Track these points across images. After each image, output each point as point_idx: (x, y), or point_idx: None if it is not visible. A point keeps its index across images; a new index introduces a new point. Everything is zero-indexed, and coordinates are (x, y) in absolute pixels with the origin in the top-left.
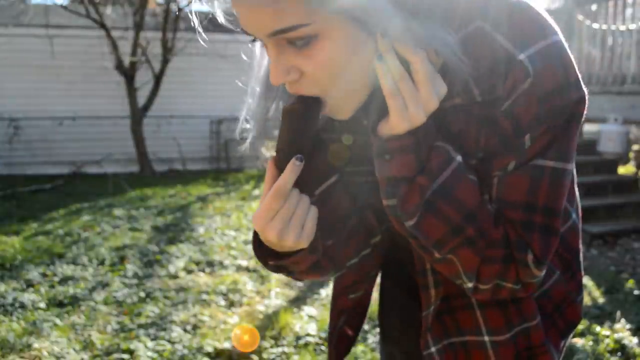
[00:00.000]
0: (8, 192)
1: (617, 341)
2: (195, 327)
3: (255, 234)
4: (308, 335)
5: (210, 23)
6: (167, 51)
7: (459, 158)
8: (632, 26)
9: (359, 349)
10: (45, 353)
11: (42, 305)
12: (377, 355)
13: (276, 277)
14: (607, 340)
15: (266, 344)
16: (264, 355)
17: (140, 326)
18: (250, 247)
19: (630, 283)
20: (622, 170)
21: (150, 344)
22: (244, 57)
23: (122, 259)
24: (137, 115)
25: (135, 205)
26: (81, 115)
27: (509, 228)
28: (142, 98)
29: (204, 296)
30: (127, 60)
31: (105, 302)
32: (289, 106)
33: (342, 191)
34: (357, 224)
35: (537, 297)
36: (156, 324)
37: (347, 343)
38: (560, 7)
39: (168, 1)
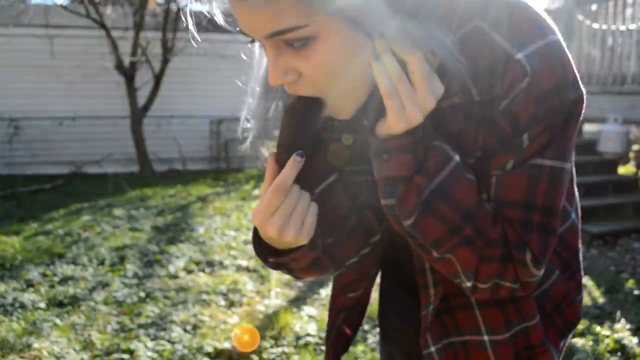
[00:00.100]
0: (8, 192)
1: (617, 341)
2: (195, 327)
3: (256, 231)
4: (308, 335)
5: (210, 23)
6: (167, 51)
7: (456, 158)
8: (632, 26)
9: (359, 348)
10: (45, 353)
11: (42, 305)
12: (377, 355)
13: (276, 277)
14: (607, 340)
15: (266, 344)
16: (264, 355)
17: (140, 326)
18: (250, 247)
19: (630, 283)
20: (622, 170)
21: (150, 344)
22: (244, 57)
23: (122, 259)
24: (137, 115)
25: (135, 205)
26: (81, 115)
27: (508, 227)
28: (142, 98)
29: (204, 296)
30: (127, 60)
31: (105, 302)
32: (291, 102)
33: (341, 190)
34: (357, 223)
35: (536, 296)
36: (156, 324)
37: (345, 342)
38: (560, 7)
39: (168, 1)
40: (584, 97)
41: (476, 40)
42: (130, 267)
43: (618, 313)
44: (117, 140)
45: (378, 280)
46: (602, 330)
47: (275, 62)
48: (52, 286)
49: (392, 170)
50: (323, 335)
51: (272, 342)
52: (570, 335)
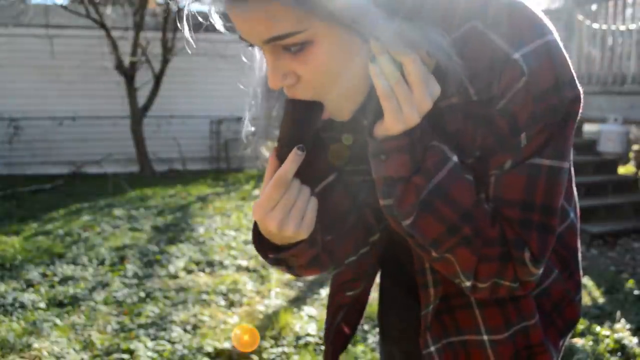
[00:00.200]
0: (8, 192)
1: (617, 341)
2: (195, 327)
3: (256, 227)
4: (308, 335)
5: (211, 23)
6: (167, 51)
7: (454, 158)
8: (632, 26)
9: (359, 349)
10: (45, 353)
11: (42, 305)
12: (377, 355)
13: (276, 277)
14: (607, 340)
15: (266, 344)
16: (264, 355)
17: (140, 326)
18: (250, 247)
19: (630, 283)
20: (622, 170)
21: (150, 344)
22: (244, 59)
23: (122, 259)
24: (137, 115)
25: (135, 205)
26: (81, 115)
27: (506, 226)
28: (142, 98)
29: (204, 296)
30: (127, 60)
31: (105, 302)
32: (292, 98)
33: (341, 189)
34: (356, 222)
35: (535, 295)
36: (156, 324)
37: (343, 340)
38: (560, 7)
39: (168, 1)
40: (582, 96)
41: (474, 40)
42: (130, 267)
43: (618, 313)
44: (117, 140)
45: (378, 280)
46: (602, 330)
47: (274, 66)
48: (52, 286)
49: (390, 171)
50: (323, 335)
51: (272, 342)
52: (570, 335)
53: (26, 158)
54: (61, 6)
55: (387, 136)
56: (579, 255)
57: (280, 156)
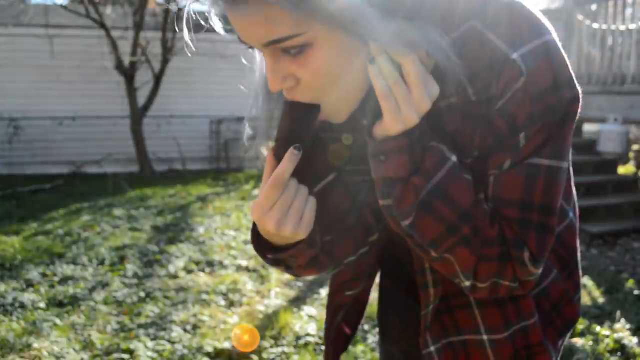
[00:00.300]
0: (8, 192)
1: (617, 341)
2: (195, 327)
3: (255, 227)
4: (308, 335)
5: (211, 26)
6: (167, 51)
7: (453, 158)
8: (632, 26)
9: (359, 349)
10: (45, 353)
11: (42, 305)
12: (377, 355)
13: (276, 277)
14: (607, 340)
15: (266, 344)
16: (264, 355)
17: (140, 326)
18: (250, 247)
19: (630, 283)
20: (622, 170)
21: (150, 344)
22: (244, 61)
23: (122, 259)
24: (137, 115)
25: (135, 205)
26: (81, 115)
27: (506, 226)
28: (142, 98)
29: (204, 296)
30: (127, 60)
31: (105, 302)
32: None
33: (340, 189)
34: (356, 222)
35: (535, 295)
36: (156, 324)
37: (344, 341)
38: (560, 7)
39: (168, 1)
40: (580, 96)
41: (473, 40)
42: (130, 267)
43: (618, 313)
44: (117, 140)
45: (378, 280)
46: (602, 330)
47: (274, 68)
48: (52, 286)
49: (389, 172)
50: (323, 335)
51: (272, 342)
52: (569, 335)
53: (26, 158)
54: (61, 6)
55: (386, 137)
56: (578, 255)
57: (278, 156)
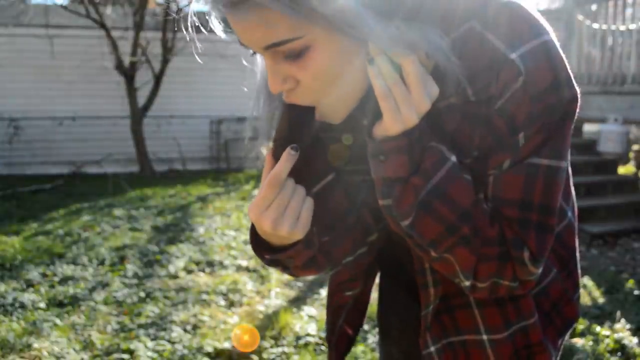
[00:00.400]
0: (8, 192)
1: (617, 341)
2: (195, 327)
3: (253, 227)
4: (308, 335)
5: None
6: (167, 51)
7: (453, 158)
8: (632, 26)
9: (359, 349)
10: (45, 353)
11: (42, 305)
12: (377, 355)
13: (276, 277)
14: (607, 340)
15: (266, 344)
16: (264, 355)
17: (140, 326)
18: (250, 247)
19: (630, 283)
20: (622, 170)
21: (150, 344)
22: (245, 62)
23: (122, 259)
24: (137, 115)
25: (135, 205)
26: (81, 115)
27: (505, 226)
28: (142, 98)
29: (204, 296)
30: (127, 60)
31: (105, 302)
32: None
33: (339, 189)
34: (355, 223)
35: (534, 295)
36: (156, 324)
37: (347, 342)
38: (560, 7)
39: (168, 1)
40: (579, 96)
41: (471, 40)
42: (130, 267)
43: (618, 313)
44: (117, 140)
45: (378, 280)
46: (602, 330)
47: (274, 70)
48: (52, 286)
49: (389, 172)
50: (323, 335)
51: (272, 342)
52: (568, 334)
53: (26, 158)
54: (61, 6)
55: (386, 137)
56: (577, 254)
57: (277, 156)
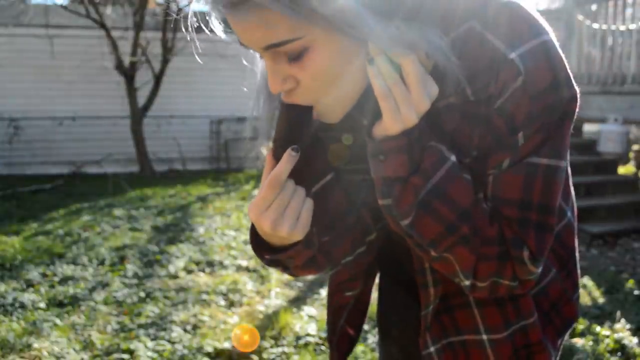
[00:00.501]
0: (8, 192)
1: (617, 341)
2: (195, 327)
3: (253, 227)
4: (308, 335)
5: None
6: (167, 51)
7: (452, 158)
8: (632, 26)
9: (359, 349)
10: (45, 353)
11: (42, 305)
12: (377, 355)
13: (276, 277)
14: (607, 340)
15: (266, 344)
16: (264, 355)
17: (140, 326)
18: (250, 247)
19: (630, 283)
20: (622, 170)
21: (150, 344)
22: (245, 62)
23: (122, 259)
24: (137, 115)
25: (135, 205)
26: (81, 115)
27: (505, 225)
28: (142, 98)
29: (204, 296)
30: (127, 60)
31: (105, 302)
32: (290, 102)
33: (339, 189)
34: (355, 222)
35: (534, 294)
36: (156, 324)
37: (348, 342)
38: (560, 7)
39: (168, 1)
40: (578, 95)
41: (470, 40)
42: (130, 267)
43: (618, 313)
44: (117, 140)
45: (377, 280)
46: (602, 330)
47: (274, 71)
48: (52, 286)
49: (388, 171)
50: (323, 335)
51: (272, 342)
52: (568, 334)
53: (26, 158)
54: (61, 6)
55: (386, 136)
56: (577, 254)
57: (277, 157)
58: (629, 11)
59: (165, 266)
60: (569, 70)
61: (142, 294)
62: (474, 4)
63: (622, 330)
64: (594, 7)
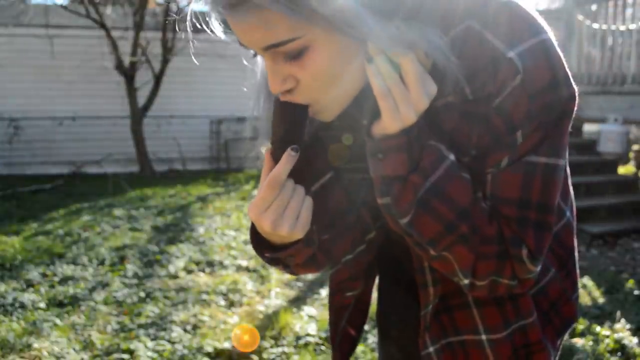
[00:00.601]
0: (8, 192)
1: (617, 341)
2: (195, 327)
3: (253, 226)
4: (308, 335)
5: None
6: (167, 51)
7: (451, 157)
8: (632, 26)
9: (359, 349)
10: (45, 353)
11: (42, 305)
12: (377, 355)
13: (276, 277)
14: (607, 340)
15: (266, 344)
16: (264, 355)
17: (140, 326)
18: (250, 247)
19: (630, 283)
20: (622, 170)
21: (150, 344)
22: (245, 61)
23: (122, 259)
24: (137, 115)
25: (135, 205)
26: (81, 115)
27: (504, 224)
28: (142, 98)
29: (204, 296)
30: (127, 60)
31: (105, 302)
32: (278, 97)
33: (338, 188)
34: (354, 220)
35: (533, 294)
36: (156, 324)
37: (350, 343)
38: (560, 7)
39: (168, 1)
40: (577, 94)
41: (469, 39)
42: (130, 267)
43: (618, 313)
44: (117, 140)
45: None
46: (602, 330)
47: (274, 70)
48: (52, 286)
49: (387, 170)
50: (323, 335)
51: (272, 342)
52: (567, 333)
53: (26, 158)
54: (61, 6)
55: (385, 135)
56: (576, 254)
57: (275, 156)
58: (629, 11)
59: (165, 266)
60: (567, 70)
61: (142, 294)
62: (474, 3)
63: (622, 330)
64: (594, 7)
